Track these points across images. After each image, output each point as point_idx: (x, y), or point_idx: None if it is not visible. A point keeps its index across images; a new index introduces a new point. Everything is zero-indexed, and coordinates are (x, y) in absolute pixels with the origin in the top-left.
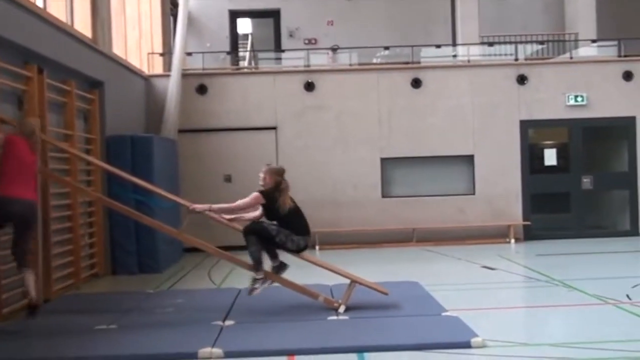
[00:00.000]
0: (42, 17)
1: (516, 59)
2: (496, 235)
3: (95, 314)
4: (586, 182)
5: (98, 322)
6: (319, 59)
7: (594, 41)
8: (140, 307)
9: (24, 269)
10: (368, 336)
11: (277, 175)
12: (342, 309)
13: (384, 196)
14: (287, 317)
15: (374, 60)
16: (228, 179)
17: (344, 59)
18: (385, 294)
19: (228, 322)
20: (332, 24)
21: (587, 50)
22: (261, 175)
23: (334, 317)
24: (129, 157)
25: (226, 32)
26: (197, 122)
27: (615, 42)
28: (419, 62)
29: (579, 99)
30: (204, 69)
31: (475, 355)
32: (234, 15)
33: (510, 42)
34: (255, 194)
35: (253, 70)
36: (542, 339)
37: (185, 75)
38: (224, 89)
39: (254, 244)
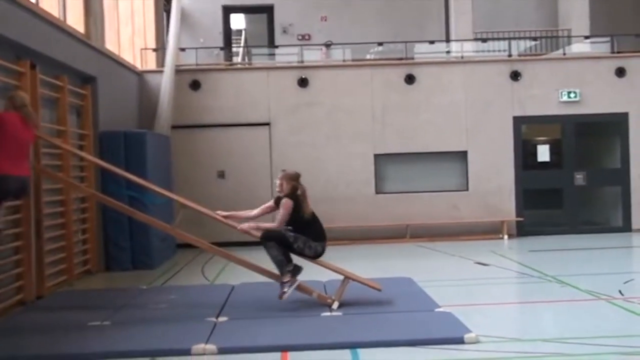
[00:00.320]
0: (35, 13)
1: (509, 55)
2: (489, 231)
3: (88, 310)
4: (579, 178)
5: (91, 319)
6: (313, 55)
7: (587, 37)
8: (134, 303)
9: None
10: (361, 332)
11: (294, 181)
12: (335, 305)
13: (377, 192)
14: (281, 313)
15: (368, 56)
16: (221, 174)
17: (338, 55)
18: (379, 290)
19: (221, 318)
20: (325, 20)
21: (580, 47)
22: (277, 181)
23: (328, 313)
24: (122, 153)
25: (219, 27)
26: (191, 118)
27: (608, 39)
28: (412, 58)
29: (572, 95)
30: (197, 64)
31: (469, 351)
32: (228, 10)
33: (503, 39)
34: (285, 200)
35: (246, 66)
36: (535, 335)
37: (178, 70)
38: (218, 85)
39: (274, 249)
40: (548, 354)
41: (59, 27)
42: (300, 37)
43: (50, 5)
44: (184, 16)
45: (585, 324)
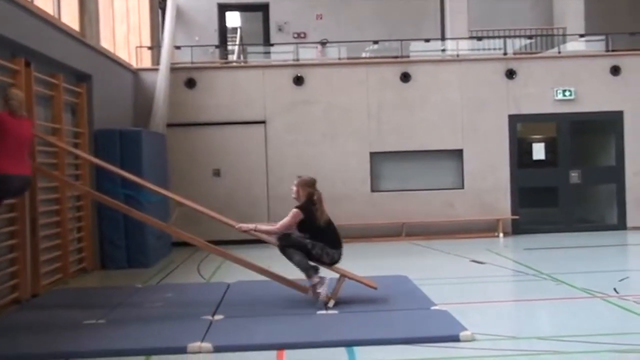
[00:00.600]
0: (30, 10)
1: (505, 54)
2: (485, 229)
3: (84, 308)
4: (574, 176)
5: (87, 317)
6: (308, 53)
7: (582, 36)
8: (129, 301)
9: None
10: (357, 330)
11: (309, 187)
12: (331, 303)
13: (373, 190)
14: (277, 311)
15: (363, 55)
16: (217, 173)
17: (333, 53)
18: (374, 288)
19: (217, 317)
20: (321, 18)
21: (575, 45)
22: (293, 188)
23: (323, 312)
24: (118, 151)
25: (215, 25)
26: (186, 116)
27: (603, 37)
28: (408, 57)
29: (567, 93)
30: (192, 62)
31: (464, 349)
32: (223, 8)
33: (499, 37)
34: (295, 211)
35: (242, 64)
36: (531, 333)
37: (173, 69)
38: (213, 83)
39: (295, 254)
40: (543, 352)
41: (53, 24)
42: (295, 35)
43: (45, 3)
44: (179, 14)
45: (580, 321)
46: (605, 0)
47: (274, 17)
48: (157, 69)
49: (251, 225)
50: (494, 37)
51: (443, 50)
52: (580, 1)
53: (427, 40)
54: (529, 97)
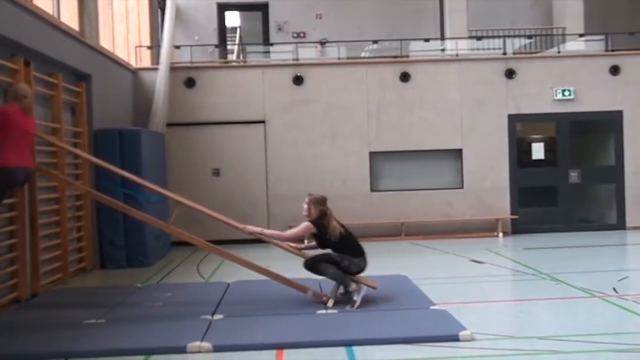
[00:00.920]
0: (29, 10)
1: (504, 53)
2: (484, 228)
3: (83, 308)
4: (573, 176)
5: (86, 317)
6: (308, 53)
7: (581, 35)
8: (129, 301)
9: None
10: (356, 330)
11: (321, 205)
12: (330, 302)
13: (372, 190)
14: (276, 311)
15: (363, 54)
16: (216, 172)
17: (333, 52)
18: (374, 287)
19: (217, 316)
20: (320, 18)
21: (574, 45)
22: (305, 206)
23: (323, 311)
24: (117, 150)
25: (214, 25)
26: (186, 115)
27: (603, 37)
28: (407, 56)
29: (567, 93)
30: (192, 62)
31: (464, 349)
32: (222, 8)
33: (498, 36)
34: (306, 224)
35: (241, 63)
36: (530, 332)
37: (173, 68)
38: (213, 83)
39: (329, 267)
40: (543, 351)
41: (53, 24)
42: (295, 35)
43: (44, 2)
44: (178, 14)
45: (579, 321)
46: (605, 0)
47: (274, 17)
48: (156, 69)
49: (257, 229)
50: (493, 37)
51: (442, 50)
52: (579, 1)
53: (427, 40)
54: (528, 96)
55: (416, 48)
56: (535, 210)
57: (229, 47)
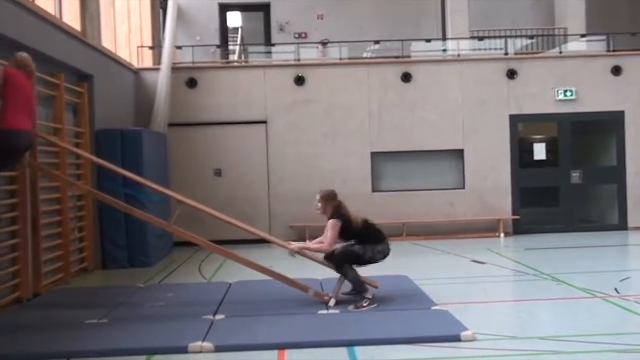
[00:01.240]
0: (31, 10)
1: (506, 54)
2: (486, 229)
3: (85, 308)
4: (575, 176)
5: (88, 317)
6: (309, 53)
7: (583, 36)
8: (131, 301)
9: None
10: (358, 330)
11: (334, 199)
12: (332, 302)
13: (374, 190)
14: (278, 311)
15: (365, 55)
16: (218, 173)
17: (335, 53)
18: (376, 288)
19: (219, 317)
20: (322, 18)
21: (576, 45)
22: (319, 204)
23: (325, 311)
24: (119, 151)
25: (216, 25)
26: (187, 116)
27: (604, 37)
28: (409, 57)
29: (569, 93)
30: (194, 62)
31: (465, 349)
32: (224, 8)
33: (500, 37)
34: (332, 222)
35: (243, 64)
36: (532, 333)
37: (175, 69)
38: (214, 83)
39: (350, 271)
40: (544, 352)
41: (55, 24)
42: (297, 36)
43: (46, 3)
44: (180, 14)
45: (581, 321)
46: (607, 1)
47: (275, 17)
48: (158, 69)
49: (302, 245)
50: (495, 37)
51: (444, 51)
52: (581, 1)
53: (428, 41)
54: (530, 97)
55: (418, 48)
56: (537, 211)
57: (230, 47)
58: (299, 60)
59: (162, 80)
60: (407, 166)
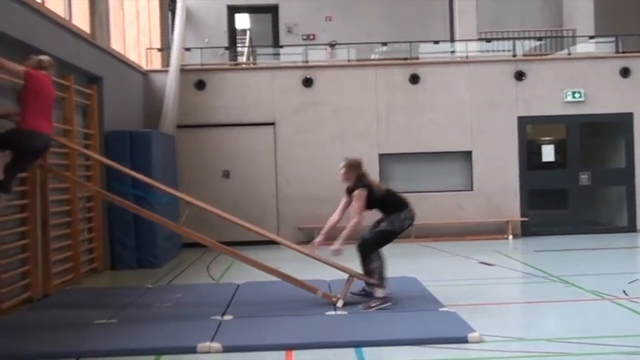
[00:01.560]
0: (40, 12)
1: (514, 55)
2: (494, 231)
3: (94, 308)
4: (584, 178)
5: (97, 317)
6: (317, 55)
7: (591, 37)
8: (140, 301)
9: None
10: (366, 331)
11: (359, 168)
12: (340, 303)
13: None
14: (286, 311)
15: (372, 56)
16: (226, 174)
17: (342, 54)
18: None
19: (227, 317)
20: (330, 20)
21: (584, 47)
22: (342, 171)
23: (332, 312)
24: (128, 152)
25: (224, 27)
26: (196, 117)
27: (613, 39)
28: (417, 58)
29: (577, 95)
30: (202, 64)
31: (473, 350)
32: (232, 10)
33: (508, 38)
34: (358, 192)
35: (251, 65)
36: (539, 334)
37: (183, 70)
38: (223, 85)
39: (376, 260)
40: (552, 354)
41: (64, 26)
42: (304, 37)
43: (56, 4)
44: (188, 16)
45: (589, 323)
46: (615, 2)
47: (283, 19)
48: (167, 71)
49: (337, 244)
50: (503, 39)
51: (452, 52)
52: (590, 2)
53: (436, 42)
54: (538, 98)
55: (426, 50)
56: (545, 213)
57: (239, 49)
58: (306, 61)
59: (170, 82)
60: (415, 168)
